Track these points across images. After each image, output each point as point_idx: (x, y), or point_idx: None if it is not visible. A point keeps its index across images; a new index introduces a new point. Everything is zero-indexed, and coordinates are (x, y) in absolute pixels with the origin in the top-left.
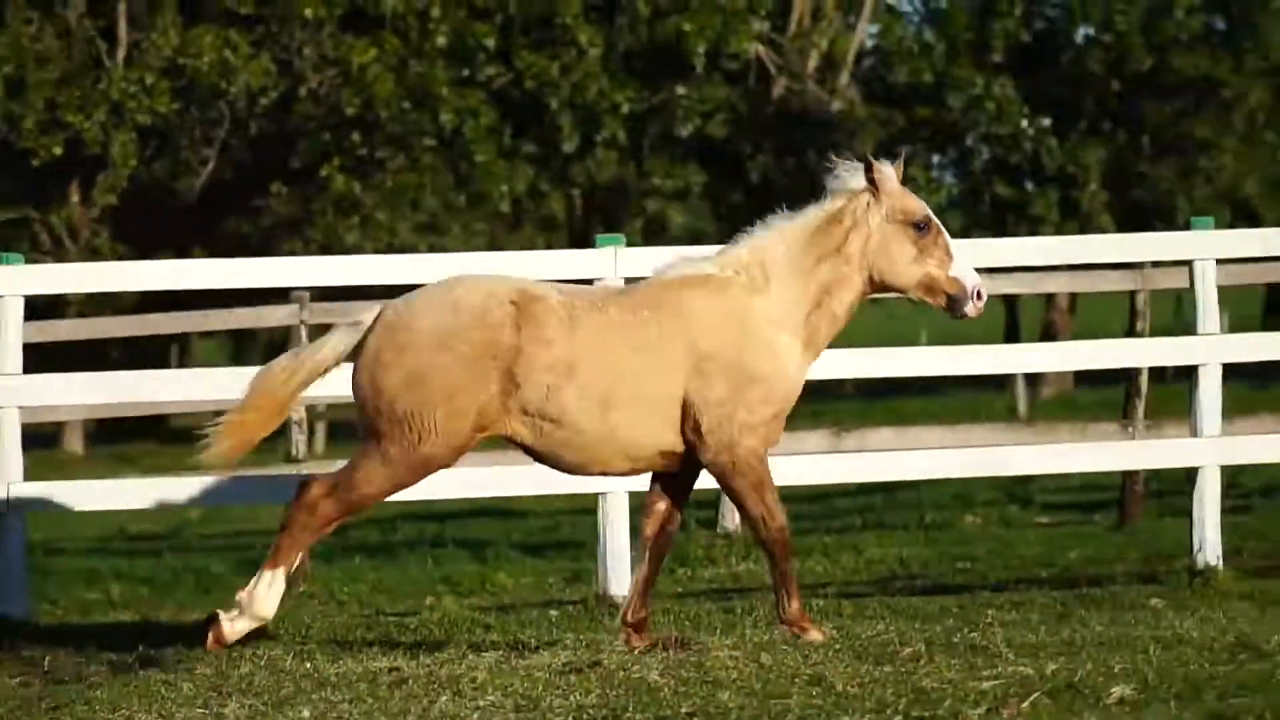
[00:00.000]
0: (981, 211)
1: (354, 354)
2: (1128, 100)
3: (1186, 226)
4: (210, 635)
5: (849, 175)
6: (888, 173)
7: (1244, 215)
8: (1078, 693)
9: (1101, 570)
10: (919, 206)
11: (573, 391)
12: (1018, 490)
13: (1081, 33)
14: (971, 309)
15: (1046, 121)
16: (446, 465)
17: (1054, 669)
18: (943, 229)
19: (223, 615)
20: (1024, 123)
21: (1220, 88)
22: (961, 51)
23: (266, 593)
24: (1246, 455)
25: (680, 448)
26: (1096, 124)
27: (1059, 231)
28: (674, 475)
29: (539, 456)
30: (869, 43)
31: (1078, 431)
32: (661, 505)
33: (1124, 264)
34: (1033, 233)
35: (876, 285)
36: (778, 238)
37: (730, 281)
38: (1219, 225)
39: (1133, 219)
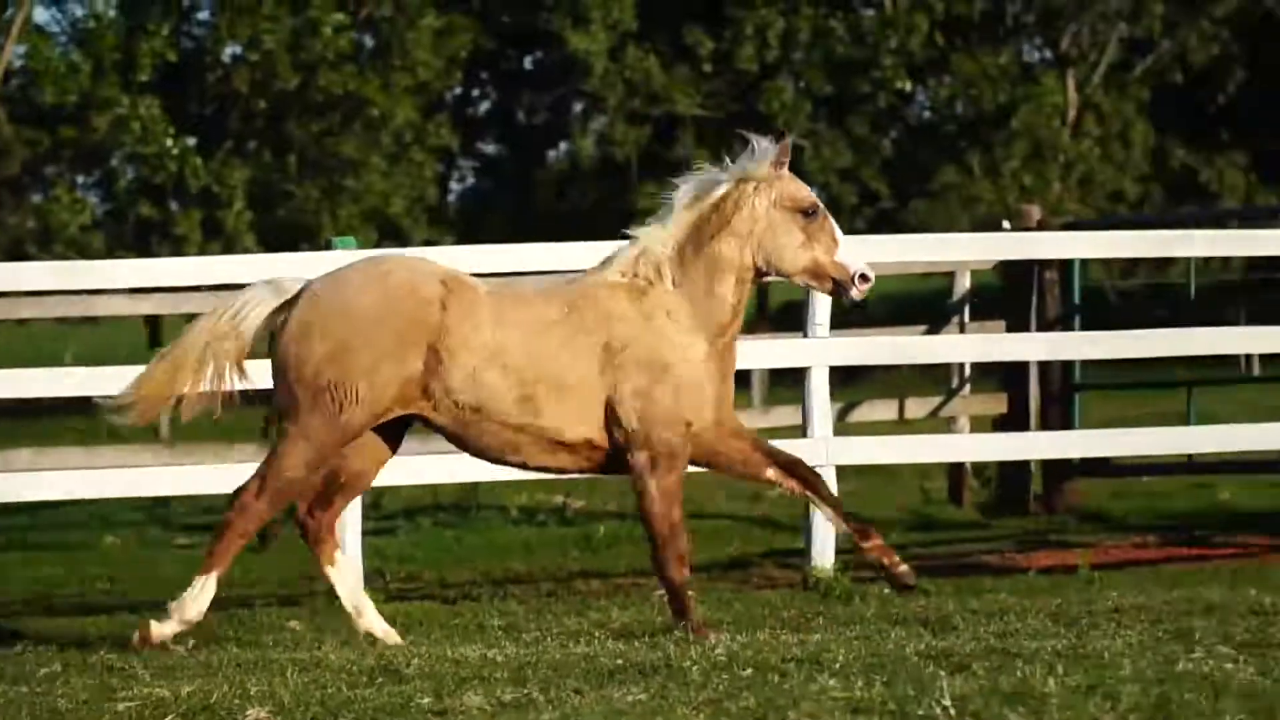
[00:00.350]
0: (125, 231)
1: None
2: (274, 119)
3: (329, 246)
4: (138, 635)
5: (749, 161)
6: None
7: (391, 235)
8: (214, 713)
9: (244, 591)
10: (807, 193)
11: (495, 375)
12: (159, 511)
13: (229, 51)
14: (856, 293)
15: (191, 141)
16: (358, 436)
17: (190, 690)
18: (828, 215)
19: (153, 621)
20: (169, 142)
21: (368, 106)
22: (109, 71)
23: (197, 597)
24: None
25: (603, 443)
26: (242, 143)
27: (202, 252)
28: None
29: (456, 440)
30: (16, 63)
31: (221, 453)
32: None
33: None
34: (175, 253)
35: (764, 271)
36: (666, 233)
37: (631, 285)
38: (365, 245)
39: (279, 238)
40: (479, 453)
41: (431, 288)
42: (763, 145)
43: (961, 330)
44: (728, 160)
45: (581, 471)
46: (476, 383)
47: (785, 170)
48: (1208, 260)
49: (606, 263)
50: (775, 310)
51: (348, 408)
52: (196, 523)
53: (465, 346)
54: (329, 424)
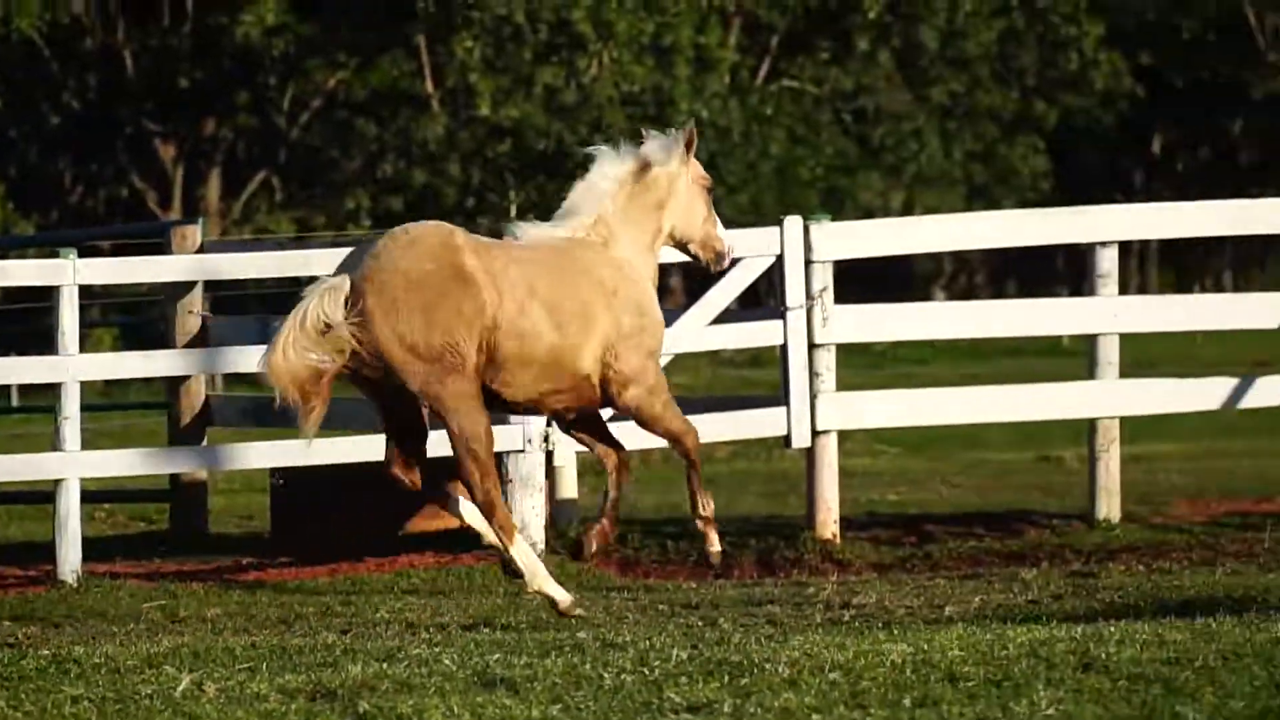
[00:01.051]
0: None
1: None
2: None
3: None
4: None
5: (664, 145)
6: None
7: None
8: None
9: None
10: (706, 173)
11: (537, 306)
12: None
13: None
14: (726, 264)
15: None
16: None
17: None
18: None
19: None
20: None
21: None
22: None
23: (529, 561)
24: None
25: (598, 378)
26: None
27: None
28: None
29: (491, 386)
30: None
31: None
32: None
33: None
34: None
35: (673, 238)
36: (607, 202)
37: (594, 241)
38: None
39: None
40: (510, 394)
41: (459, 240)
42: (673, 134)
43: None
44: (649, 141)
45: (568, 411)
46: (524, 313)
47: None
48: None
49: (560, 224)
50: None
51: (466, 356)
52: None
53: (509, 284)
54: (466, 378)
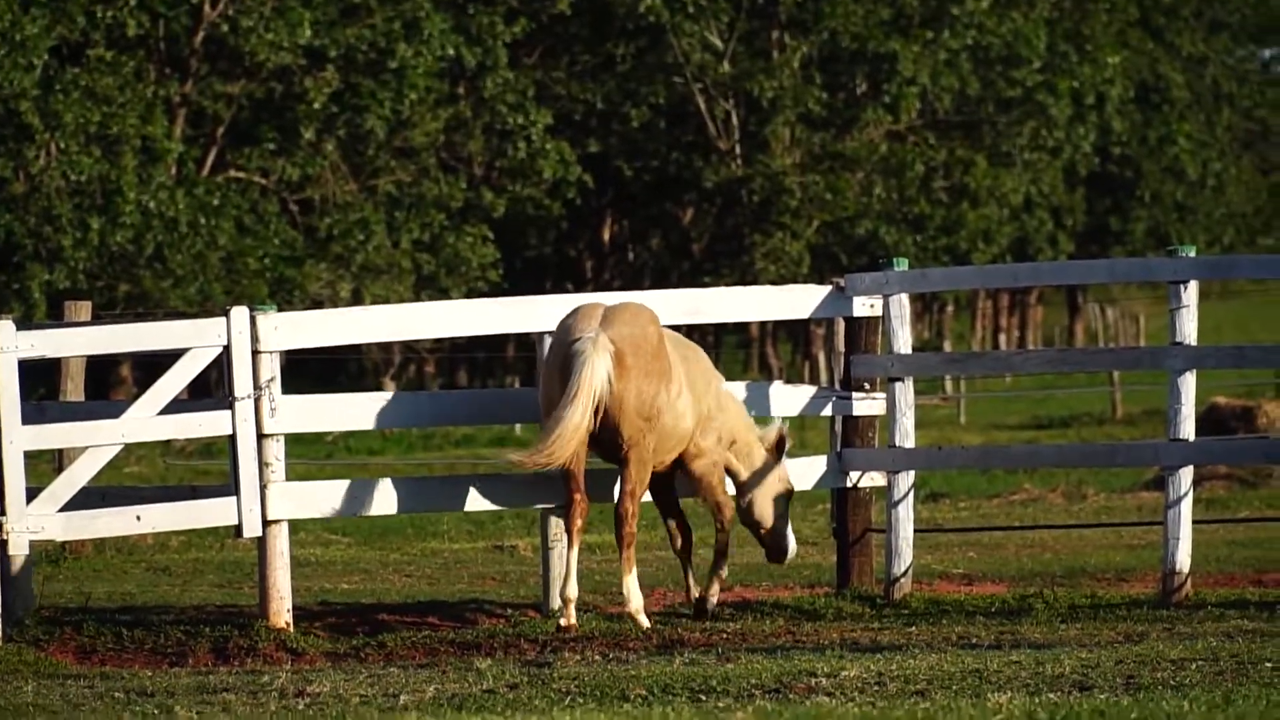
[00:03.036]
0: None
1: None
2: None
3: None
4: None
5: None
6: None
7: None
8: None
9: None
10: None
11: (686, 388)
12: None
13: None
14: None
15: None
16: None
17: None
18: None
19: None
20: None
21: None
22: None
23: (634, 592)
24: None
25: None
26: None
27: None
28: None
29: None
30: None
31: None
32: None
33: None
34: None
35: None
36: None
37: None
38: None
39: None
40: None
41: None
42: None
43: None
44: None
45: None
46: (680, 393)
47: None
48: None
49: None
50: None
51: (659, 424)
52: None
53: (675, 362)
54: (655, 441)
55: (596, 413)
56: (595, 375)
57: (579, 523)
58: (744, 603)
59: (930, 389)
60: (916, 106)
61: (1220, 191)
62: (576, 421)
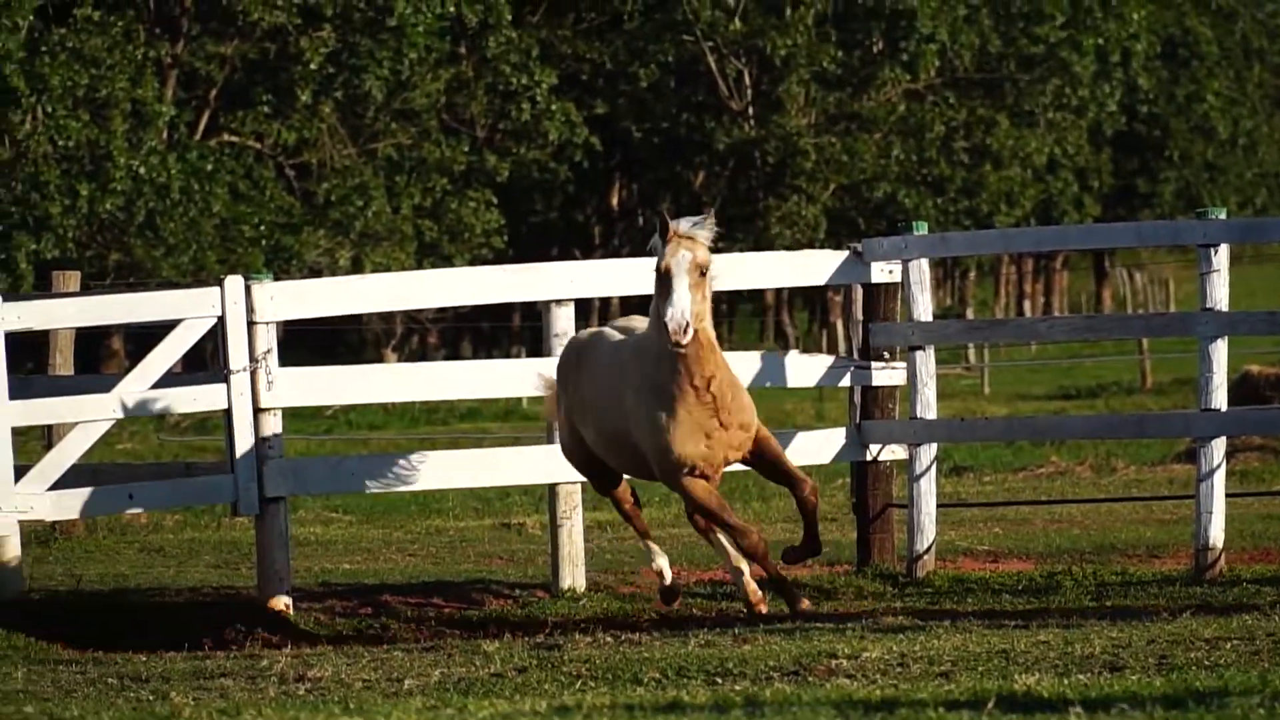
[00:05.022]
0: None
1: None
2: None
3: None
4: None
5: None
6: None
7: None
8: None
9: None
10: None
11: None
12: None
13: None
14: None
15: None
16: None
17: None
18: None
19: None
20: None
21: None
22: None
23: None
24: None
25: None
26: None
27: None
28: None
29: None
30: None
31: None
32: None
33: None
34: None
35: None
36: None
37: None
38: None
39: None
40: None
41: None
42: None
43: None
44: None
45: None
46: None
47: None
48: None
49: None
50: None
51: None
52: None
53: None
54: None
55: None
56: None
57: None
58: (762, 580)
59: (952, 358)
60: (935, 64)
61: (1252, 151)
62: None
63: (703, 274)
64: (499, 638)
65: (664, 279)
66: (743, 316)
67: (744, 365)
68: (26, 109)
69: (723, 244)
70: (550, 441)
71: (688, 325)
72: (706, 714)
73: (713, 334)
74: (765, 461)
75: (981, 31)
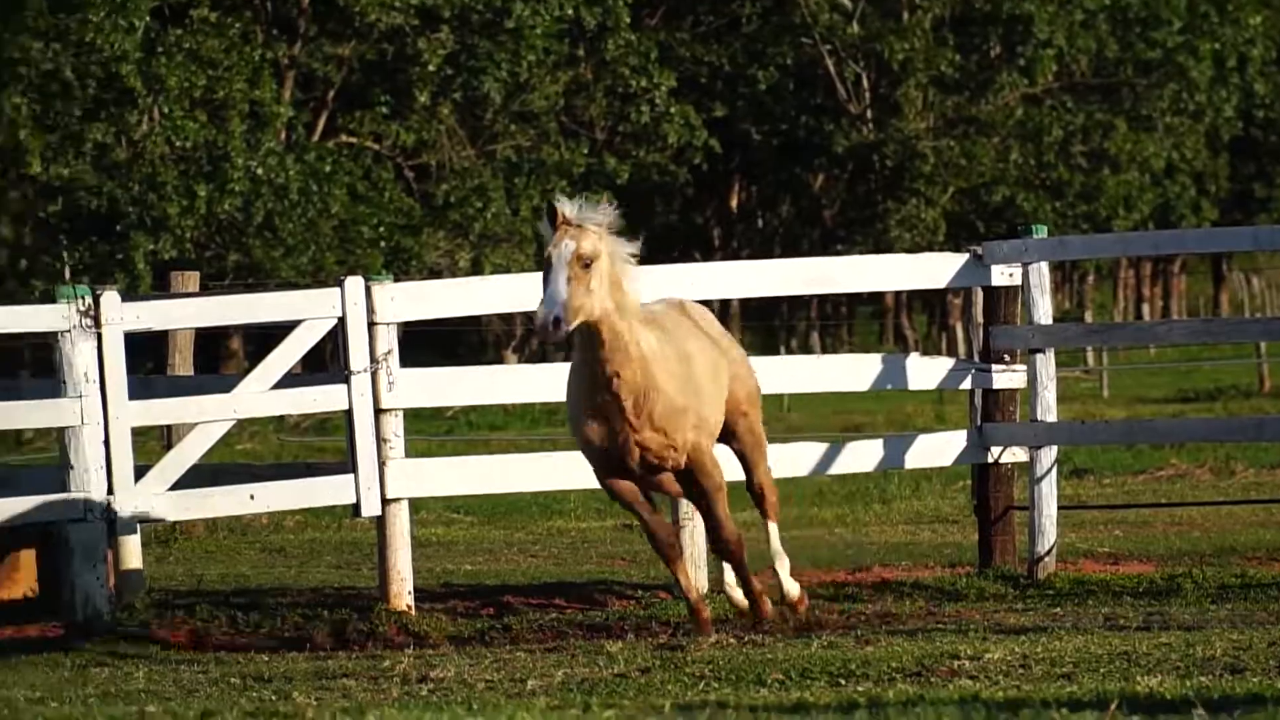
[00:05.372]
0: None
1: None
2: None
3: None
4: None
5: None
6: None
7: None
8: None
9: None
10: None
11: None
12: None
13: None
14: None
15: None
16: None
17: None
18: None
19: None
20: None
21: None
22: None
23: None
24: None
25: None
26: None
27: None
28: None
29: None
30: None
31: None
32: None
33: None
34: None
35: None
36: None
37: None
38: None
39: None
40: None
41: None
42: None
43: None
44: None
45: None
46: None
47: None
48: None
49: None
50: None
51: None
52: None
53: None
54: None
55: None
56: None
57: None
58: (883, 583)
59: (1072, 361)
60: (1053, 69)
61: None
62: None
63: (586, 265)
64: (622, 638)
65: (544, 269)
66: (862, 319)
67: (865, 367)
68: (143, 109)
69: (841, 246)
70: None
71: (557, 319)
72: (830, 715)
73: (630, 332)
74: (697, 491)
75: (1099, 37)
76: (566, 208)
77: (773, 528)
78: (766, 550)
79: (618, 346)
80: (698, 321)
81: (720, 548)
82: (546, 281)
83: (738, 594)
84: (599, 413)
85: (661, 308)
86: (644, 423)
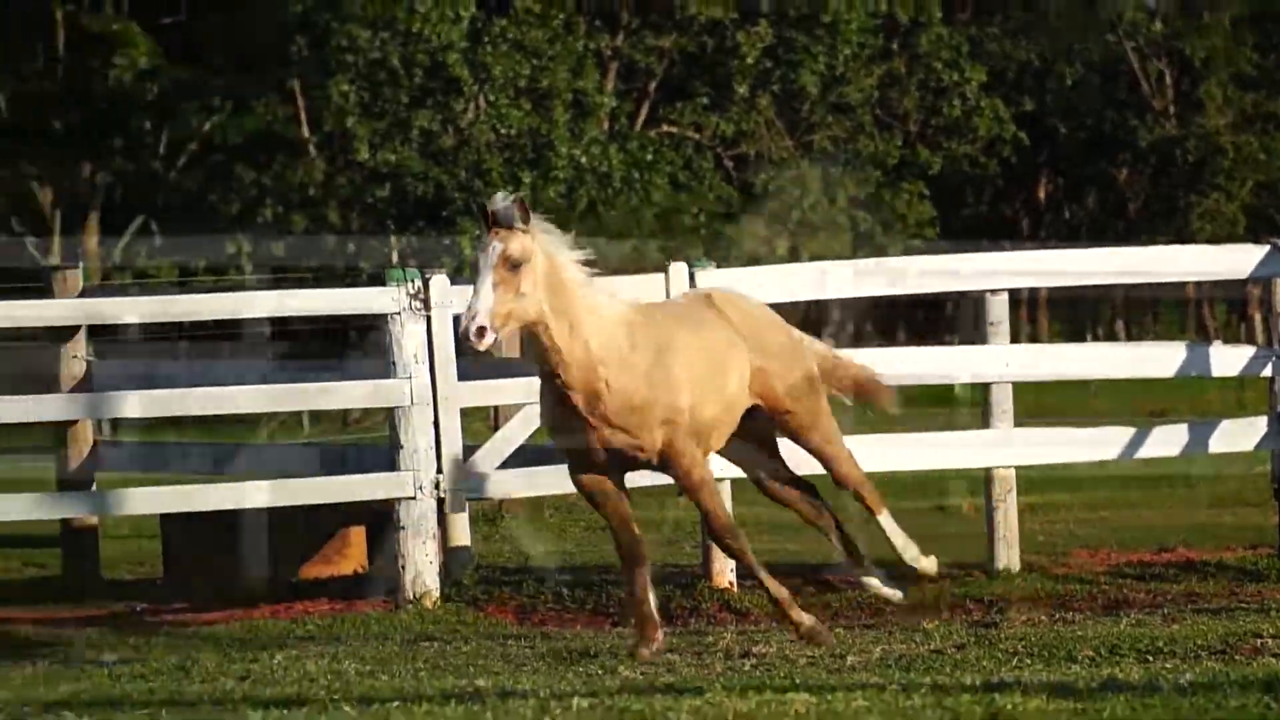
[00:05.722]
0: None
1: None
2: None
3: None
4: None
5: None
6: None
7: None
8: None
9: None
10: None
11: None
12: None
13: None
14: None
15: None
16: None
17: None
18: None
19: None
20: None
21: None
22: None
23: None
24: None
25: None
26: None
27: None
28: None
29: None
30: None
31: None
32: None
33: None
34: None
35: None
36: None
37: None
38: None
39: None
40: None
41: None
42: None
43: None
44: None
45: None
46: None
47: None
48: None
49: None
50: None
51: None
52: None
53: None
54: None
55: None
56: None
57: None
58: (1187, 563)
59: None
60: None
61: None
62: None
63: (515, 268)
64: (938, 616)
65: (473, 273)
66: (1165, 308)
67: (1170, 354)
68: (469, 97)
69: (1144, 238)
70: (986, 426)
71: (481, 329)
72: (1139, 691)
73: (571, 335)
74: (679, 486)
75: None
76: (497, 205)
77: (883, 519)
78: (894, 553)
79: (557, 349)
80: (724, 313)
81: (715, 541)
82: (473, 287)
83: (882, 588)
84: (559, 413)
85: (683, 301)
86: (600, 421)
